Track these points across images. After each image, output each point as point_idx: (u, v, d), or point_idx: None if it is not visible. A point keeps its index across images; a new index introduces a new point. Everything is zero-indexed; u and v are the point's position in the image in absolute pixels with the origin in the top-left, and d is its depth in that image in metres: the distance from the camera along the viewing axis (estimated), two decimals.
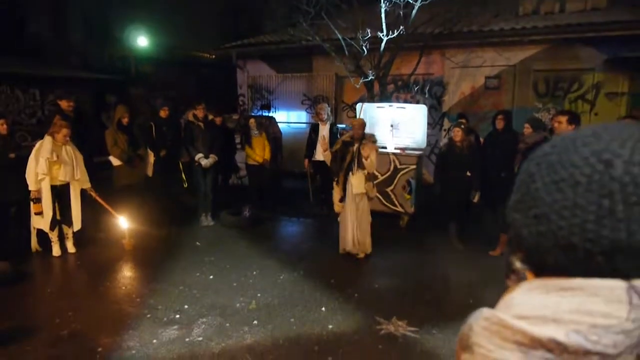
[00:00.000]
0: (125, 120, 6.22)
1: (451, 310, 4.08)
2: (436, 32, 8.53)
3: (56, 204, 5.31)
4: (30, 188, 5.12)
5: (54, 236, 5.39)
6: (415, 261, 5.47)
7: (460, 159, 5.56)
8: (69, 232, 5.52)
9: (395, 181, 6.78)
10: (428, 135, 7.44)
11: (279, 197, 8.22)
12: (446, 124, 9.52)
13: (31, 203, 5.18)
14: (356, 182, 5.29)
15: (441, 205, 5.96)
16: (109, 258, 5.44)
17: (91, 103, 12.36)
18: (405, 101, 9.43)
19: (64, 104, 5.97)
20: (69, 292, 4.61)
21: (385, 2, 7.48)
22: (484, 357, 0.50)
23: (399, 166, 6.77)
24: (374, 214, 5.63)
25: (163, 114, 6.94)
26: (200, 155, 6.51)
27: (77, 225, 5.47)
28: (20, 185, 5.21)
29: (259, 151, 7.31)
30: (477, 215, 6.06)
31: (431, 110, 9.16)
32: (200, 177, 6.68)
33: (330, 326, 3.86)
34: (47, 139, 5.14)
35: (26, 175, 5.10)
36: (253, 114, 10.03)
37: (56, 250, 5.42)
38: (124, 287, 4.71)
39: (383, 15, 7.57)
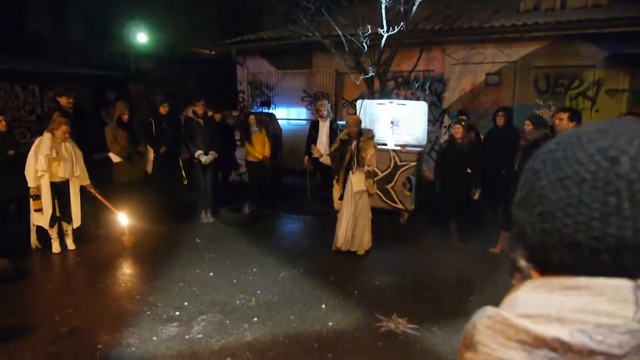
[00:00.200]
0: (125, 117, 6.21)
1: (451, 307, 4.08)
2: (437, 28, 8.51)
3: (56, 201, 5.30)
4: (29, 185, 5.12)
5: (53, 233, 5.38)
6: (415, 258, 5.47)
7: (461, 156, 5.54)
8: (68, 229, 5.51)
9: (396, 178, 6.77)
10: (428, 132, 7.43)
11: (279, 194, 8.21)
12: (446, 120, 9.50)
13: (30, 200, 5.18)
14: (356, 180, 5.28)
15: (441, 202, 5.95)
16: (108, 255, 5.44)
17: (91, 99, 12.33)
18: (406, 98, 9.41)
19: (63, 100, 5.96)
20: (69, 289, 4.61)
21: None
22: (487, 356, 0.50)
23: (399, 163, 6.76)
24: (374, 210, 5.63)
25: (163, 110, 6.93)
26: (199, 152, 6.51)
27: (76, 222, 5.47)
28: (19, 182, 5.20)
29: (259, 148, 7.31)
30: (478, 213, 6.06)
31: (431, 106, 9.15)
32: (200, 174, 6.67)
33: (330, 323, 3.86)
34: (47, 136, 5.12)
35: (25, 172, 5.10)
36: (253, 111, 10.02)
37: (56, 247, 5.41)
38: (123, 284, 4.71)
39: (383, 12, 7.55)
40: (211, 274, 4.91)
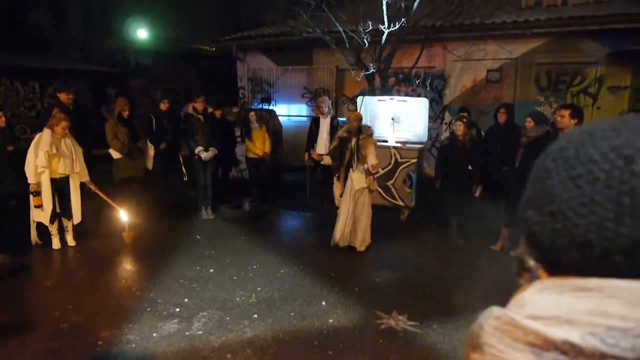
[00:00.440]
0: (125, 114, 6.20)
1: (452, 304, 4.07)
2: (438, 24, 8.48)
3: (56, 197, 5.30)
4: (29, 181, 5.11)
5: (53, 229, 5.38)
6: (416, 255, 5.46)
7: (462, 153, 5.53)
8: (68, 225, 5.51)
9: (396, 175, 6.76)
10: (429, 129, 7.42)
11: (279, 190, 8.21)
12: (447, 117, 9.49)
13: (31, 196, 5.17)
14: (357, 177, 5.27)
15: (442, 199, 5.95)
16: (108, 251, 5.44)
17: (91, 95, 12.31)
18: (407, 94, 9.40)
19: (63, 96, 5.94)
20: (69, 285, 4.61)
21: None
22: (494, 358, 0.48)
23: (399, 160, 6.75)
24: (374, 207, 5.62)
25: (163, 106, 6.91)
26: (200, 148, 6.49)
27: (77, 218, 5.46)
28: (19, 178, 5.19)
29: (259, 144, 7.29)
30: (478, 210, 6.05)
31: (432, 103, 9.14)
32: (200, 171, 6.66)
33: (330, 320, 3.86)
34: (46, 132, 5.11)
35: (25, 168, 5.09)
36: (253, 107, 10.01)
37: (56, 244, 5.41)
38: (123, 281, 4.71)
39: (384, 8, 7.51)
40: (211, 270, 4.91)
